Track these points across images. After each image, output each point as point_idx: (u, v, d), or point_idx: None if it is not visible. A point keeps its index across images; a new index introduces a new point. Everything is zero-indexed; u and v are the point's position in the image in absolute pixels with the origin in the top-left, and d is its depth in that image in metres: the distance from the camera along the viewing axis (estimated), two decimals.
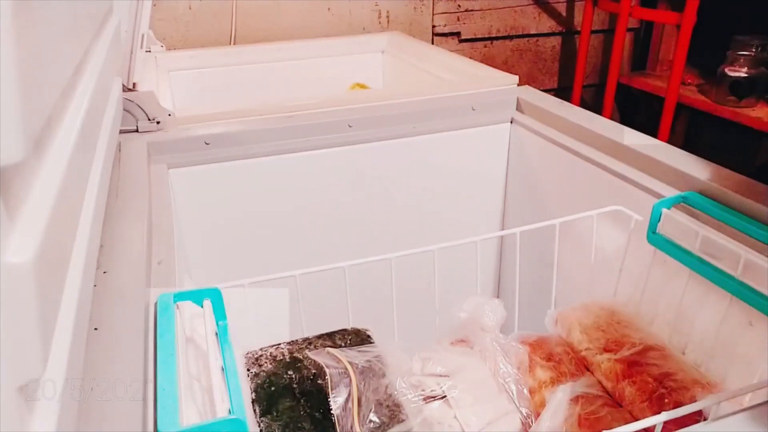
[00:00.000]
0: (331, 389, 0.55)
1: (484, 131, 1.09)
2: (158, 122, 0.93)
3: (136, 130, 0.93)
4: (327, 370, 0.56)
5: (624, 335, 0.69)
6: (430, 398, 0.59)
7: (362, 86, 1.53)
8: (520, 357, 0.66)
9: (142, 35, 1.04)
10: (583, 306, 0.75)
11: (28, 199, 0.35)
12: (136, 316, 0.52)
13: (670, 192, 0.76)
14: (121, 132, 0.91)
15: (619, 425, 0.47)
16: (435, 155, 1.07)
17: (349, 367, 0.57)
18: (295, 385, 0.56)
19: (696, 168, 0.76)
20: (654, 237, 0.71)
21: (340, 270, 0.66)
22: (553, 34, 2.03)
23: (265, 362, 0.60)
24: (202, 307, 0.54)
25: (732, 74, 1.66)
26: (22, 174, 0.34)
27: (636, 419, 0.60)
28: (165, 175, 0.88)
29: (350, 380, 0.56)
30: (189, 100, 1.39)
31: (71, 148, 0.44)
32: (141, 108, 0.93)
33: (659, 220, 0.71)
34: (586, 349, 0.69)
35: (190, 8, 1.62)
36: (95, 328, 0.50)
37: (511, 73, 1.18)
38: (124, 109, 0.91)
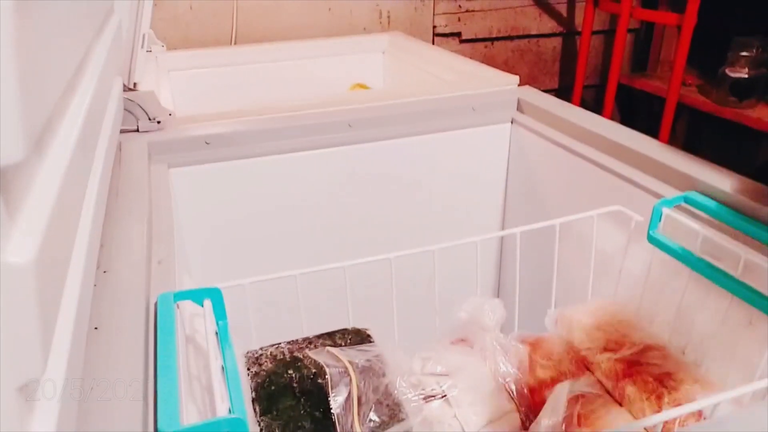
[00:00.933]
0: (331, 388, 0.55)
1: (485, 131, 1.09)
2: (159, 122, 0.93)
3: (137, 130, 0.93)
4: (327, 370, 0.56)
5: (624, 335, 0.69)
6: (430, 397, 0.60)
7: (363, 86, 1.53)
8: (520, 356, 0.66)
9: (143, 35, 1.04)
10: (583, 306, 0.75)
11: (28, 198, 0.35)
12: (137, 316, 0.52)
13: (670, 192, 0.76)
14: (122, 131, 0.91)
15: (619, 425, 0.47)
16: (435, 155, 1.07)
17: (349, 366, 0.57)
18: (295, 385, 0.56)
19: (696, 168, 0.76)
20: (654, 237, 0.71)
21: (340, 270, 0.66)
22: (553, 34, 2.03)
23: (266, 361, 0.60)
24: (202, 306, 0.54)
25: (733, 75, 1.66)
26: (22, 174, 0.34)
27: (636, 419, 0.60)
28: (165, 175, 0.88)
29: (350, 379, 0.56)
30: (189, 100, 1.39)
31: (72, 148, 0.44)
32: (142, 108, 0.93)
33: (660, 221, 0.71)
34: (586, 349, 0.69)
35: (190, 8, 1.62)
36: (95, 328, 0.50)
37: (511, 73, 1.18)
38: (125, 109, 0.92)
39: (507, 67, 1.99)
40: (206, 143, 0.93)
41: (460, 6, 1.88)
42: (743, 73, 1.65)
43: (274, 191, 0.99)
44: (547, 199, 1.03)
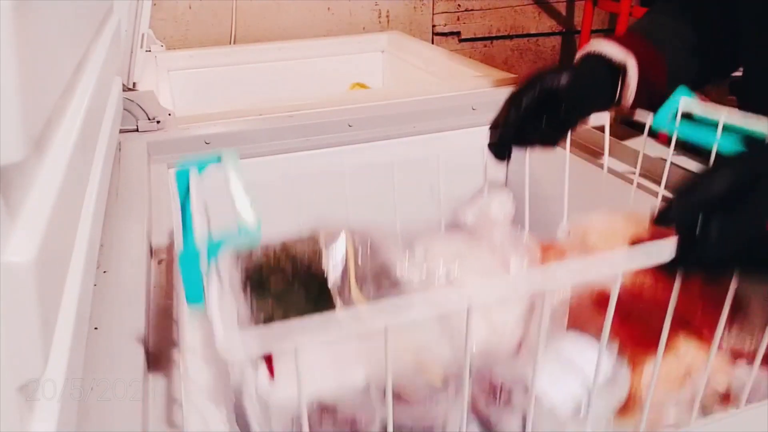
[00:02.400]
0: (327, 261, 0.53)
1: (485, 131, 1.09)
2: (158, 122, 0.93)
3: (136, 130, 0.93)
4: (321, 238, 0.54)
5: (641, 235, 0.64)
6: (433, 280, 0.57)
7: (362, 86, 1.53)
8: (531, 254, 0.62)
9: (143, 35, 1.04)
10: (597, 215, 0.70)
11: (28, 198, 0.35)
12: (137, 316, 0.52)
13: (669, 192, 0.76)
14: (121, 131, 0.91)
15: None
16: (435, 155, 1.07)
17: (345, 234, 0.54)
18: (289, 265, 0.54)
19: (696, 168, 0.76)
20: (672, 126, 0.69)
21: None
22: (553, 33, 2.03)
23: (256, 256, 0.57)
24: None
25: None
26: (22, 174, 0.34)
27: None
28: (165, 175, 0.88)
29: (347, 252, 0.53)
30: (189, 100, 1.39)
31: (71, 148, 0.44)
32: (141, 107, 0.93)
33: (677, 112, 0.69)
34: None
35: (190, 8, 1.62)
36: (95, 328, 0.50)
37: (511, 72, 1.18)
38: (124, 109, 0.91)
39: (506, 66, 1.99)
40: (206, 143, 0.93)
41: (459, 5, 1.88)
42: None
43: (273, 191, 0.99)
44: (546, 197, 1.03)
